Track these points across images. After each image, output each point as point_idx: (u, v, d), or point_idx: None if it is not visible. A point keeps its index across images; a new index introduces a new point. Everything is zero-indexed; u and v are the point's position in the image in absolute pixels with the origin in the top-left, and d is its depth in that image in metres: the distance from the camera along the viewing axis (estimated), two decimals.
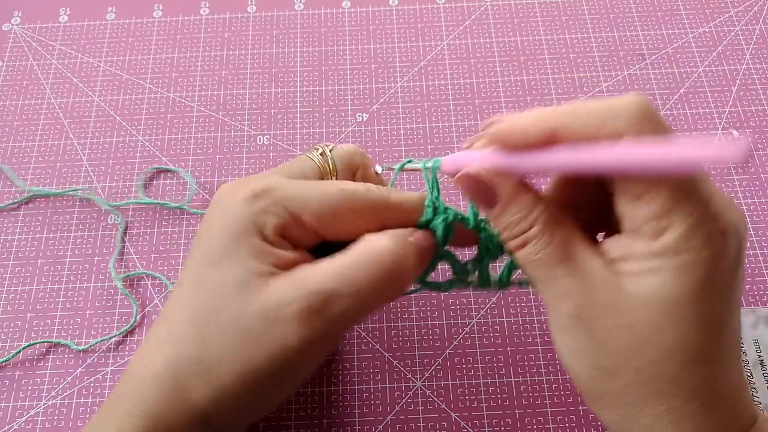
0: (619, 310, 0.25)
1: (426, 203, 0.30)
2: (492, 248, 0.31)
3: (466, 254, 0.32)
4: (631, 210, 0.25)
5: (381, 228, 0.29)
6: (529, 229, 0.26)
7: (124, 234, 0.43)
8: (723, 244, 0.24)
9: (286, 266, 0.28)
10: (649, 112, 0.24)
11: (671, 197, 0.23)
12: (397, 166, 0.33)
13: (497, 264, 0.32)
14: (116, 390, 0.28)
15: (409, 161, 0.33)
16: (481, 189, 0.27)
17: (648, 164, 0.23)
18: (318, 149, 0.33)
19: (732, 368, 0.25)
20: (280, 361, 0.27)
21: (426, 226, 0.30)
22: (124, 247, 0.42)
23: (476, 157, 0.28)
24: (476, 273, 0.32)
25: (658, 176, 0.23)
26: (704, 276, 0.24)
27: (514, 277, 0.32)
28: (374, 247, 0.27)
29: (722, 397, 0.25)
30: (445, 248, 0.31)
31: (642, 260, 0.24)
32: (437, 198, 0.30)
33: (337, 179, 0.32)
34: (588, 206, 0.29)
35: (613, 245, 0.26)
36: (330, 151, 0.33)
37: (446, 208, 0.30)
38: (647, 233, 0.24)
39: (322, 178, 0.32)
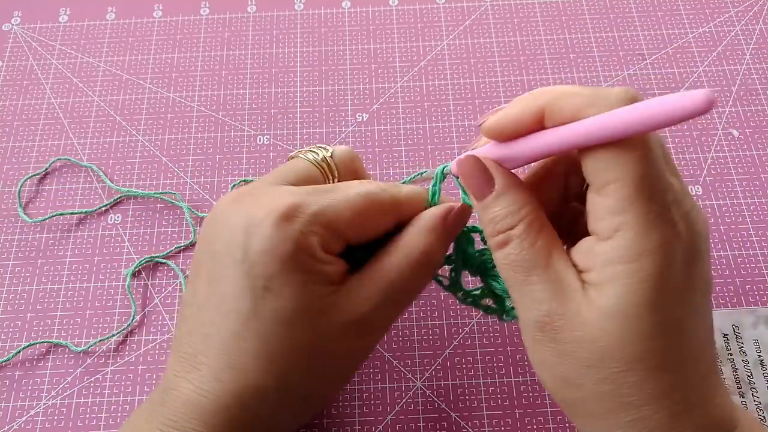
0: (584, 323, 0.24)
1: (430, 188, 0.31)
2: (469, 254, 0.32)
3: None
4: (593, 202, 0.25)
5: (397, 222, 0.30)
6: (515, 226, 0.26)
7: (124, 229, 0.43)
8: (674, 248, 0.24)
9: (340, 277, 0.28)
10: (637, 99, 0.24)
11: (629, 192, 0.23)
12: (407, 179, 0.34)
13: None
14: (158, 414, 0.27)
15: (422, 173, 0.34)
16: (479, 174, 0.27)
17: (615, 127, 0.22)
18: (315, 152, 0.32)
19: (702, 374, 0.25)
20: (346, 379, 0.30)
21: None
22: (124, 247, 0.42)
23: (479, 153, 0.28)
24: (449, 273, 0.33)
25: (624, 141, 0.23)
26: (657, 283, 0.23)
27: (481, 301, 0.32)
28: (418, 247, 0.29)
29: (691, 404, 0.24)
30: None
31: (600, 269, 0.24)
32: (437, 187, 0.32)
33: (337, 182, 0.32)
34: (559, 212, 0.29)
35: (578, 252, 0.26)
36: (330, 156, 0.32)
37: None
38: (602, 232, 0.24)
39: (323, 182, 0.32)
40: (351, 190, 0.29)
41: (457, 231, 0.31)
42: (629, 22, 0.51)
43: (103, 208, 0.44)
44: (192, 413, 0.26)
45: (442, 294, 0.40)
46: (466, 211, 0.30)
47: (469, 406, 0.37)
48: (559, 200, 0.30)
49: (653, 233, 0.23)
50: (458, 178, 0.29)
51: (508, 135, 0.26)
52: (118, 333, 0.39)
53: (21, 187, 0.44)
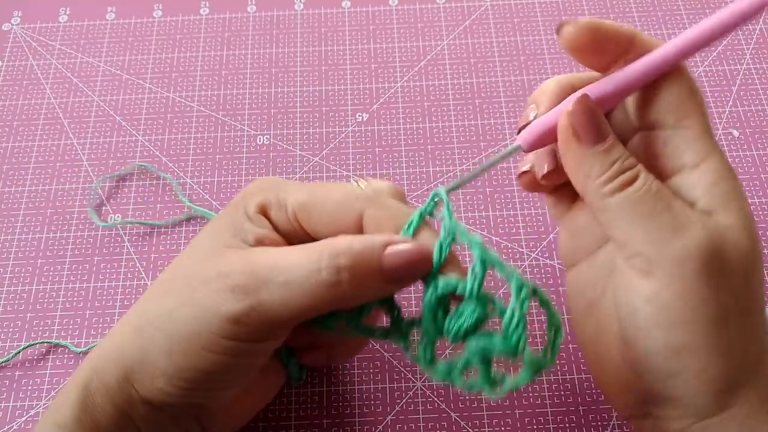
0: (733, 242, 0.25)
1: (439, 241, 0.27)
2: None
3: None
4: (669, 139, 0.27)
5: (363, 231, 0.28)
6: (636, 165, 0.26)
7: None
8: None
9: (257, 243, 0.28)
10: None
11: (705, 122, 0.27)
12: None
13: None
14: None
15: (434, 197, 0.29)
16: (598, 117, 0.26)
17: (699, 38, 0.25)
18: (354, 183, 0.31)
19: None
20: (202, 326, 0.26)
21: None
22: (124, 247, 0.42)
23: (552, 119, 0.28)
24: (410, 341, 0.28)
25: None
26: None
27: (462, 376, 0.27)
28: (324, 248, 0.26)
29: None
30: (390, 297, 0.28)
31: (706, 194, 0.26)
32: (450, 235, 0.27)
33: None
34: None
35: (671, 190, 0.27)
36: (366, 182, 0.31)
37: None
38: (691, 160, 0.26)
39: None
40: (319, 183, 0.31)
41: (398, 280, 0.27)
42: (629, 21, 0.51)
43: (173, 224, 0.43)
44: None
45: None
46: (420, 258, 0.27)
47: (469, 406, 0.37)
48: None
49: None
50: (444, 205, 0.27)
51: (600, 44, 0.27)
52: None
53: (97, 186, 0.44)
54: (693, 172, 0.26)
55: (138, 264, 0.42)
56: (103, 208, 0.44)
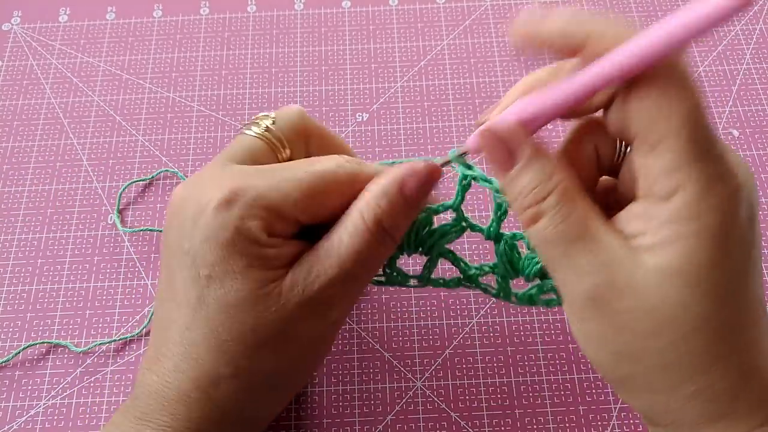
0: (637, 291, 0.23)
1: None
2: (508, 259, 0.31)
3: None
4: (644, 164, 0.23)
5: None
6: (546, 198, 0.24)
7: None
8: (738, 201, 0.23)
9: (289, 259, 0.27)
10: None
11: (684, 151, 0.22)
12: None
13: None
14: (132, 408, 0.28)
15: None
16: (500, 147, 0.25)
17: (660, 43, 0.21)
18: (257, 124, 0.30)
19: (763, 330, 0.24)
20: (312, 350, 0.28)
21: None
22: (124, 247, 0.42)
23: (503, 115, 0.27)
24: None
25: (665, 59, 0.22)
26: (721, 239, 0.22)
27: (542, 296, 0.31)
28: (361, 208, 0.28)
29: (756, 364, 0.23)
30: (447, 247, 0.31)
31: (657, 230, 0.23)
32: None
33: (289, 152, 0.30)
34: (594, 181, 0.28)
35: (626, 217, 0.24)
36: (272, 123, 0.30)
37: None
38: (659, 194, 0.23)
39: (275, 157, 0.30)
40: (300, 169, 0.28)
41: (419, 198, 0.28)
42: (629, 21, 0.51)
43: None
44: (158, 404, 0.27)
45: (442, 294, 0.40)
46: (431, 173, 0.28)
47: (469, 406, 0.37)
48: (591, 175, 0.28)
49: (718, 187, 0.22)
50: (462, 159, 0.29)
51: (543, 41, 0.24)
52: (117, 339, 0.40)
53: (122, 191, 0.44)
54: (655, 205, 0.23)
55: (138, 264, 0.42)
56: (104, 207, 0.44)
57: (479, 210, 0.43)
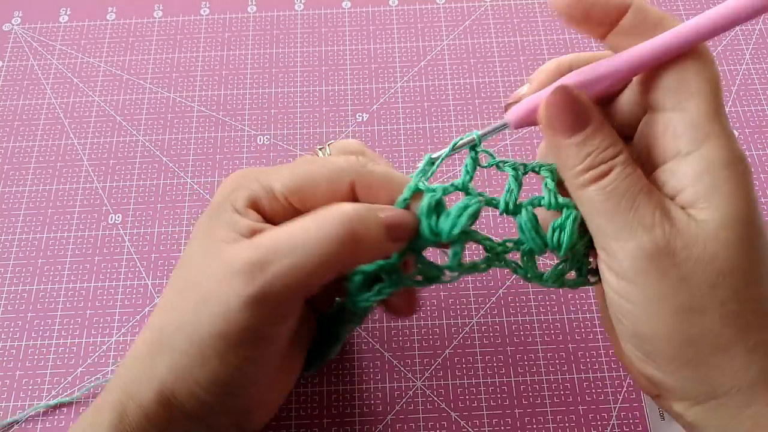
0: (697, 240, 0.24)
1: (411, 185, 0.28)
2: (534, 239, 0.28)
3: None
4: (667, 122, 0.25)
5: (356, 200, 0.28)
6: (617, 156, 0.25)
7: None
8: (750, 169, 0.25)
9: (253, 234, 0.27)
10: None
11: (711, 106, 0.24)
12: (444, 152, 0.31)
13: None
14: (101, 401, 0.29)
15: (458, 141, 0.31)
16: (572, 107, 0.26)
17: (707, 24, 0.24)
18: (319, 148, 0.33)
19: None
20: (226, 321, 0.26)
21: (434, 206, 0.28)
22: (124, 247, 0.43)
23: (537, 100, 0.27)
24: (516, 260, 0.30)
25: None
26: (751, 186, 0.24)
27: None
28: (332, 212, 0.27)
29: None
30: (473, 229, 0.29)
31: (694, 184, 0.24)
32: (465, 184, 0.30)
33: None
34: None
35: (660, 180, 0.26)
36: (328, 145, 0.33)
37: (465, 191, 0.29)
38: (687, 148, 0.25)
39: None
40: (300, 159, 0.30)
41: (392, 247, 0.28)
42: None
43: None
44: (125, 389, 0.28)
45: (441, 294, 0.40)
46: (412, 227, 0.28)
47: (469, 406, 0.37)
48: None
49: (736, 142, 0.25)
50: (475, 150, 0.29)
51: (597, 19, 0.26)
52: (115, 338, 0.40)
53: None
54: (685, 159, 0.25)
55: (138, 264, 0.42)
56: (104, 207, 0.44)
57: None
